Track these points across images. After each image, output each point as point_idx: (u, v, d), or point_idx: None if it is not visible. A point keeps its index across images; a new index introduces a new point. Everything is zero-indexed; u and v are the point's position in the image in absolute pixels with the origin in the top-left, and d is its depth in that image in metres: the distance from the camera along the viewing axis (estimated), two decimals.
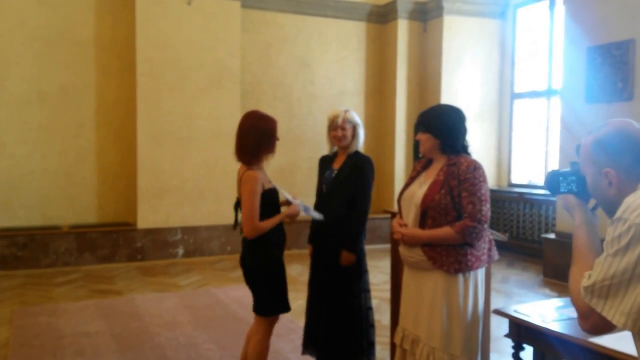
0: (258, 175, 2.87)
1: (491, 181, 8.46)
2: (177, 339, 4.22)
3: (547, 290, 5.85)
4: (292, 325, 4.55)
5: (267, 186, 2.96)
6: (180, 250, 7.23)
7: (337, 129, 3.33)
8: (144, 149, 6.99)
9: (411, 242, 2.55)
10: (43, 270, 6.45)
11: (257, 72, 7.98)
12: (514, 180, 8.40)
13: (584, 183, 1.66)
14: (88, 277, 6.28)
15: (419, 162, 2.76)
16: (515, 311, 2.58)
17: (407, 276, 2.71)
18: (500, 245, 7.17)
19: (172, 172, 7.14)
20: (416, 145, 2.76)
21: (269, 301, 3.01)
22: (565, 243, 6.13)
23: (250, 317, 4.73)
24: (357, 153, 3.40)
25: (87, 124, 7.13)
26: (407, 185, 2.71)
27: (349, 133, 3.33)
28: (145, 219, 7.03)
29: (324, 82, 8.41)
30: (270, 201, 2.96)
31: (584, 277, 1.46)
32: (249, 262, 3.00)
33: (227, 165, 7.39)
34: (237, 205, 3.03)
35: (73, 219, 7.05)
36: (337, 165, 3.41)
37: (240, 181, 2.92)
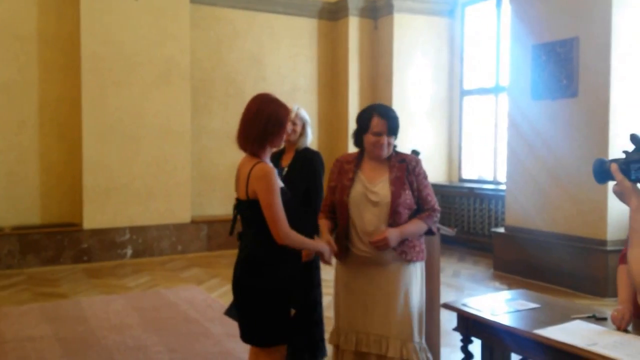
0: (272, 169, 2.37)
1: (442, 177, 8.60)
2: (125, 342, 4.08)
3: (497, 284, 5.98)
4: None
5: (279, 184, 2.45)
6: (129, 251, 7.03)
7: (289, 123, 3.30)
8: (90, 147, 6.75)
9: (395, 243, 2.58)
10: None
11: (208, 68, 7.84)
12: (464, 176, 8.56)
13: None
14: (32, 279, 6.02)
15: (350, 162, 2.74)
16: (464, 304, 2.61)
17: (355, 275, 2.71)
18: (451, 240, 7.32)
19: (120, 170, 6.93)
20: (360, 144, 2.75)
21: (273, 328, 2.41)
22: (514, 237, 6.29)
23: (202, 316, 4.66)
24: (306, 149, 3.39)
25: (29, 122, 6.82)
26: (346, 185, 2.69)
27: (299, 129, 3.33)
28: (92, 219, 6.80)
29: (276, 79, 8.34)
30: (284, 204, 2.38)
31: None
32: (247, 285, 2.43)
33: (177, 162, 7.26)
34: (238, 207, 2.51)
35: (16, 220, 6.74)
36: (285, 162, 3.38)
37: (248, 177, 2.37)
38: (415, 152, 3.53)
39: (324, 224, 2.77)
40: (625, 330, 2.20)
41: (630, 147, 1.68)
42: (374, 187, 2.65)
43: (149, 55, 7.03)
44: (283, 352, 2.48)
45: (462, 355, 2.68)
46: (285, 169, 3.35)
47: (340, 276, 2.79)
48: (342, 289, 2.78)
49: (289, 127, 3.29)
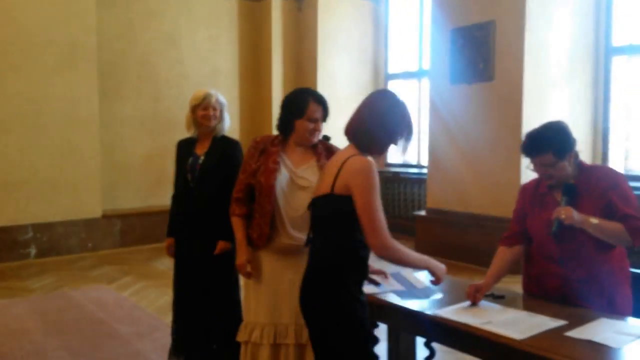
0: (374, 164, 2.00)
1: None
2: (23, 348, 3.70)
3: None
4: (155, 322, 4.21)
5: None
6: (33, 250, 6.47)
7: (209, 108, 3.08)
8: None
9: None
10: None
11: (118, 50, 7.32)
12: (390, 160, 8.56)
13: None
14: None
15: (275, 144, 2.55)
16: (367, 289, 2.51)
17: (276, 265, 2.53)
18: None
19: (20, 162, 6.34)
20: (287, 130, 2.56)
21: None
22: (435, 219, 6.32)
23: (110, 317, 4.31)
24: (223, 137, 3.17)
25: None
26: (272, 168, 2.49)
27: (219, 114, 3.10)
28: None
29: (194, 62, 7.94)
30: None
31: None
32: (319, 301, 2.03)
33: (84, 152, 6.74)
34: (315, 205, 2.13)
35: None
36: (200, 150, 3.14)
37: (339, 169, 2.00)
38: (325, 137, 3.37)
39: (239, 225, 2.56)
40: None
41: None
42: (301, 173, 2.52)
43: (50, 35, 6.44)
44: None
45: None
46: (202, 157, 3.10)
47: (257, 267, 2.58)
48: (260, 280, 2.57)
49: (210, 111, 3.07)
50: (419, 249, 6.50)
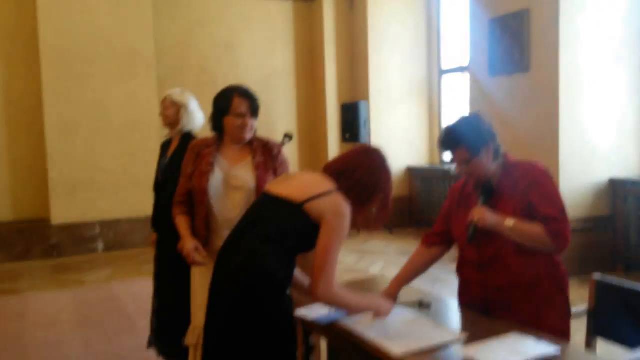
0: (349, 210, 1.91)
1: (423, 159, 8.36)
2: (46, 338, 4.10)
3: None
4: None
5: None
6: (100, 245, 7.09)
7: (162, 107, 3.27)
8: (53, 141, 6.80)
9: None
10: None
11: (178, 56, 7.77)
12: (447, 158, 8.28)
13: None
14: None
15: (209, 146, 2.61)
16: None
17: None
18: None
19: (86, 164, 6.97)
20: (219, 128, 2.62)
21: None
22: None
23: (136, 310, 4.59)
24: (188, 135, 3.24)
25: None
26: (204, 171, 2.55)
27: (170, 113, 3.23)
28: (60, 215, 6.87)
29: (251, 65, 8.22)
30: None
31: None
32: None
33: (146, 153, 7.21)
34: (263, 203, 2.01)
35: None
36: (170, 151, 3.29)
37: (324, 194, 1.89)
38: (288, 136, 3.37)
39: (182, 221, 2.60)
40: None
41: None
42: (236, 172, 2.53)
43: (110, 46, 7.00)
44: None
45: None
46: (168, 158, 3.24)
47: (199, 271, 2.67)
48: (202, 283, 2.66)
49: (162, 111, 3.24)
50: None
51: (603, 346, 2.28)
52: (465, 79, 7.71)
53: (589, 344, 2.26)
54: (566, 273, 2.17)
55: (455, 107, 8.04)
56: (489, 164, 2.11)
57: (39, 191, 7.07)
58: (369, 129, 7.88)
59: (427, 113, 8.39)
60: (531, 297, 2.08)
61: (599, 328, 2.24)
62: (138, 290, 5.31)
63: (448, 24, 8.07)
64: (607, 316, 2.21)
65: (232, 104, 2.49)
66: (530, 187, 2.07)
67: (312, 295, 1.90)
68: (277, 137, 9.38)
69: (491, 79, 5.73)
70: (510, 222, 2.02)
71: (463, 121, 2.16)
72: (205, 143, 2.62)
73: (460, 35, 7.77)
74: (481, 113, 2.28)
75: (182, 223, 2.60)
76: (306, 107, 8.60)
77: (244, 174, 2.51)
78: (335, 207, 1.87)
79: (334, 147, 8.35)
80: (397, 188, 8.14)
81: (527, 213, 2.05)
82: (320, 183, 1.94)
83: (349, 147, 8.10)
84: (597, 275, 2.30)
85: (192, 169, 2.59)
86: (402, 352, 1.77)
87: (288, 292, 1.94)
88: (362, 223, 2.01)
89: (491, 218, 2.04)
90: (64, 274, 6.14)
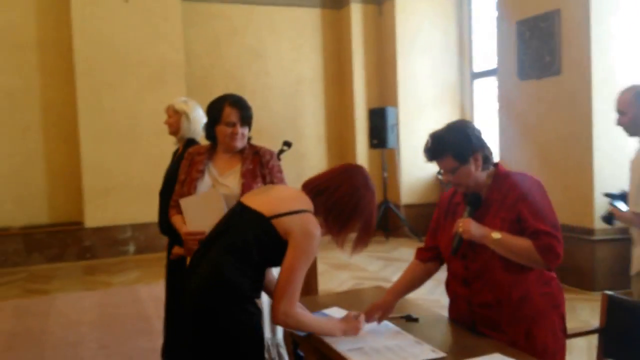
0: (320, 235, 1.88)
1: None
2: (65, 338, 4.21)
3: None
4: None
5: None
6: (132, 248, 7.25)
7: (167, 116, 3.30)
8: (87, 148, 7.01)
9: None
10: None
11: (207, 65, 7.90)
12: None
13: None
14: (32, 276, 6.35)
15: (201, 154, 2.65)
16: None
17: None
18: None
19: (118, 170, 7.15)
20: (212, 137, 2.66)
21: None
22: None
23: (157, 313, 4.64)
24: (190, 141, 3.28)
25: (33, 126, 7.18)
26: (194, 178, 2.59)
27: (172, 121, 3.31)
28: (93, 218, 7.07)
29: (279, 72, 8.28)
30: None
31: None
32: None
33: None
34: (237, 213, 1.97)
35: (25, 220, 7.12)
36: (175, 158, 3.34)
37: (296, 214, 1.86)
38: (287, 143, 3.36)
39: (178, 218, 2.66)
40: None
41: None
42: (224, 180, 2.57)
43: (142, 55, 7.18)
44: None
45: None
46: (170, 165, 3.31)
47: None
48: None
49: (166, 120, 3.29)
50: None
51: None
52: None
53: None
54: (560, 289, 2.05)
55: (487, 111, 7.86)
56: (477, 173, 2.00)
57: (74, 196, 7.29)
58: (397, 134, 7.79)
59: (458, 117, 8.23)
60: (520, 315, 1.95)
61: (611, 349, 2.09)
62: (161, 294, 5.35)
63: (479, 26, 7.90)
64: (620, 336, 2.06)
65: (223, 113, 2.53)
66: (521, 199, 1.95)
67: (273, 316, 1.84)
68: (306, 143, 9.41)
69: (520, 82, 5.57)
70: (496, 235, 1.91)
71: (450, 128, 2.05)
72: (199, 150, 2.67)
73: (492, 37, 7.58)
74: (468, 120, 2.20)
75: (178, 219, 2.66)
76: (335, 113, 8.59)
77: (231, 182, 2.54)
78: (304, 227, 1.83)
79: (362, 153, 8.30)
80: (426, 195, 8.05)
81: (517, 226, 1.94)
82: (295, 200, 1.90)
83: (378, 153, 8.08)
84: (609, 291, 2.16)
85: (185, 176, 2.63)
86: None
87: (254, 304, 1.88)
88: (341, 244, 1.94)
89: (476, 230, 1.93)
90: (94, 276, 6.31)
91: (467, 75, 8.09)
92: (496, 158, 6.40)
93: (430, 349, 1.84)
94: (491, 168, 2.06)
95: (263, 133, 8.05)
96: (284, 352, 2.54)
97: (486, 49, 7.78)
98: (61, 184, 7.30)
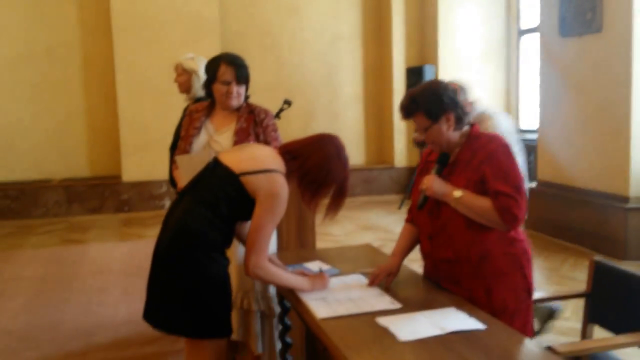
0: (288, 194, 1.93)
1: None
2: (92, 285, 4.42)
3: None
4: None
5: None
6: (167, 202, 7.44)
7: (175, 74, 3.30)
8: (124, 103, 7.16)
9: None
10: (33, 221, 6.90)
11: (242, 21, 7.83)
12: (524, 126, 7.78)
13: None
14: (71, 227, 6.66)
15: (199, 111, 2.65)
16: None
17: None
18: None
19: (155, 126, 7.25)
20: (211, 95, 2.64)
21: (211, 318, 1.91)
22: (543, 193, 5.68)
23: None
24: (201, 100, 3.28)
25: (74, 82, 7.39)
26: (190, 134, 2.61)
27: (182, 79, 3.32)
28: (130, 172, 7.28)
29: (315, 29, 8.11)
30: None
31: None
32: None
33: None
34: (215, 166, 2.01)
35: (66, 173, 7.43)
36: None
37: (264, 171, 1.91)
38: (287, 102, 3.30)
39: (177, 174, 2.71)
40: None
41: None
42: (218, 137, 2.59)
43: (177, 12, 7.19)
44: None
45: None
46: (179, 121, 3.32)
47: None
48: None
49: (175, 78, 3.27)
50: (527, 224, 5.91)
51: (600, 334, 2.05)
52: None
53: (585, 331, 2.04)
54: (526, 250, 2.02)
55: (534, 70, 7.48)
56: (449, 133, 2.02)
57: (112, 150, 7.51)
58: None
59: (504, 77, 7.89)
60: (480, 273, 1.97)
61: (596, 314, 2.01)
62: None
63: None
64: (605, 301, 1.98)
65: (219, 71, 2.53)
66: (486, 160, 1.96)
67: (244, 269, 1.93)
68: (341, 103, 9.28)
69: (562, 39, 5.26)
70: (458, 193, 1.94)
71: (423, 88, 2.07)
72: (198, 107, 2.68)
73: None
74: (445, 80, 2.15)
75: (177, 174, 2.71)
76: (372, 71, 8.38)
77: (225, 139, 2.56)
78: (271, 187, 1.88)
79: (398, 114, 8.11)
80: None
81: (481, 187, 1.95)
82: (266, 159, 1.95)
83: None
84: (597, 257, 2.07)
85: (184, 132, 2.66)
86: (327, 315, 1.79)
87: (223, 253, 1.95)
88: (314, 209, 2.01)
89: (439, 187, 1.97)
90: (129, 228, 6.54)
91: (514, 32, 7.69)
92: (536, 119, 6.10)
93: (389, 300, 1.91)
94: (465, 128, 2.05)
95: (299, 91, 8.04)
96: (275, 306, 2.56)
97: (534, 4, 7.35)
98: (100, 138, 7.53)
